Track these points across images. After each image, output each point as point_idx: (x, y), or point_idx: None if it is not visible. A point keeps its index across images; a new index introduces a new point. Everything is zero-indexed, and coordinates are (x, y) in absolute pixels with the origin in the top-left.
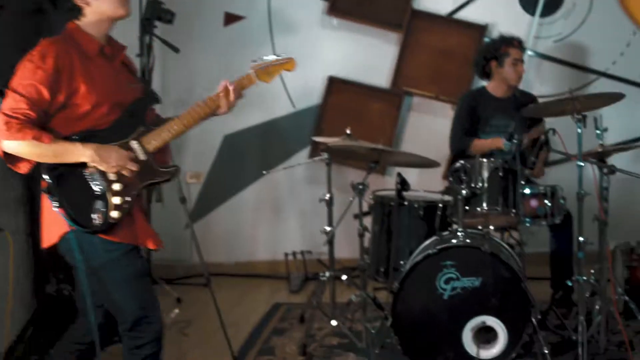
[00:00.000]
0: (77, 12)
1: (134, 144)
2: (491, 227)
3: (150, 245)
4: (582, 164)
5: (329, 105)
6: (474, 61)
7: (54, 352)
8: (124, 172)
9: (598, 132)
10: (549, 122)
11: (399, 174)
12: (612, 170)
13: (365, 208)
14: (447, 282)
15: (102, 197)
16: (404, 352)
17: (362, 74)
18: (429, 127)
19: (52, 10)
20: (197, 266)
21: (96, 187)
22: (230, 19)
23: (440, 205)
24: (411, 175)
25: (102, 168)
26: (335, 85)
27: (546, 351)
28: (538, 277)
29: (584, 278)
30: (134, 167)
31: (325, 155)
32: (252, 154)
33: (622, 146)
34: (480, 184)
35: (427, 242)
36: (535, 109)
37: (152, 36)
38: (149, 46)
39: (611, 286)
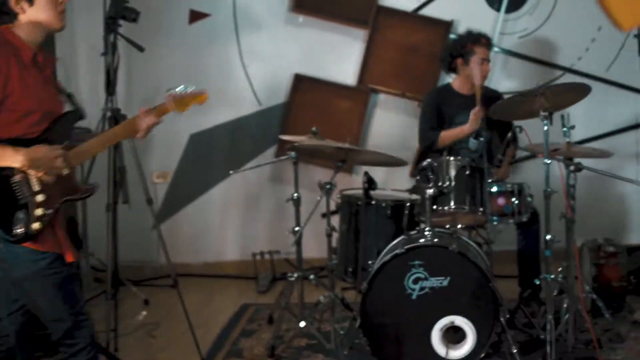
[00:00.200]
0: (13, 16)
1: None
2: (459, 226)
3: (69, 258)
4: (549, 161)
5: (295, 103)
6: (441, 57)
7: None
8: (53, 173)
9: (565, 129)
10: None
11: (366, 173)
12: (579, 167)
13: (333, 207)
14: (415, 282)
15: (25, 207)
16: (372, 352)
17: (329, 71)
18: (395, 124)
19: None
20: (165, 267)
21: (20, 197)
22: (196, 16)
23: (408, 204)
24: (378, 173)
25: (31, 172)
26: (301, 83)
27: (514, 350)
28: (506, 275)
29: (552, 276)
30: (60, 164)
31: (292, 154)
32: (219, 153)
33: (590, 149)
34: (447, 183)
35: (395, 241)
36: (502, 110)
37: (117, 35)
38: (114, 45)
39: (579, 284)
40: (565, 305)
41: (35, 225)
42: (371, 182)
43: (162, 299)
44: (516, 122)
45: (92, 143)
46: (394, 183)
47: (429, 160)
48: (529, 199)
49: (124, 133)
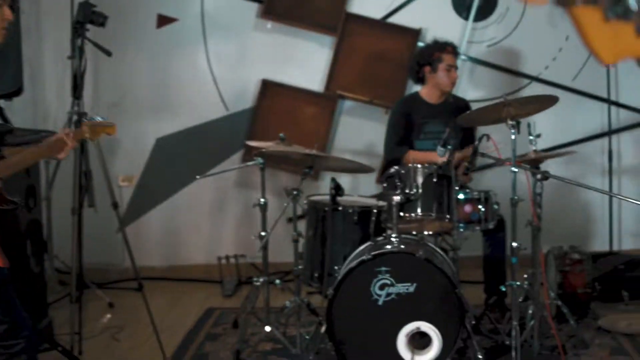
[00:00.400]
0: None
1: None
2: (426, 233)
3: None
4: (515, 169)
5: (262, 108)
6: (408, 66)
7: None
8: None
9: (531, 137)
10: (483, 128)
11: (333, 179)
12: (546, 176)
13: (300, 213)
14: (381, 288)
15: None
16: (338, 358)
17: (296, 77)
18: (362, 131)
19: None
20: (130, 270)
21: None
22: (163, 21)
23: (375, 210)
24: (345, 179)
25: None
26: (268, 88)
27: (480, 356)
28: (471, 280)
29: (518, 283)
30: None
31: (259, 160)
32: (185, 157)
33: (554, 153)
34: (414, 190)
35: (362, 247)
36: (470, 118)
37: (84, 39)
38: (81, 49)
39: (544, 291)
40: (530, 312)
41: None
42: (338, 188)
43: (126, 302)
44: (482, 129)
45: (22, 156)
46: (360, 189)
47: (396, 167)
48: (495, 206)
49: (47, 152)
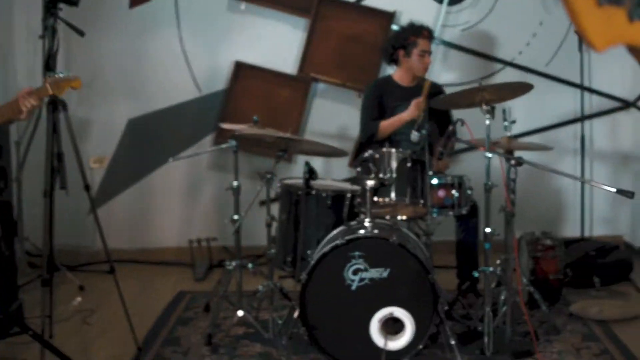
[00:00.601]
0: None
1: None
2: (399, 218)
3: None
4: (490, 155)
5: (235, 90)
6: (382, 48)
7: None
8: None
9: (506, 123)
10: (458, 112)
11: (307, 163)
12: (520, 162)
13: (273, 197)
14: (355, 273)
15: None
16: (311, 342)
17: (270, 59)
18: (335, 114)
19: None
20: (101, 252)
21: None
22: (136, 1)
23: (349, 195)
24: (317, 162)
25: None
26: (242, 70)
27: (453, 342)
28: (444, 265)
29: (490, 269)
30: None
31: (232, 143)
32: (158, 139)
33: (530, 144)
34: (388, 175)
35: (335, 232)
36: (444, 101)
37: (57, 19)
38: (53, 29)
39: (517, 276)
40: (503, 298)
41: None
42: (312, 172)
43: (97, 285)
44: (457, 114)
45: None
46: (333, 172)
47: (370, 151)
48: (469, 191)
49: (8, 113)
